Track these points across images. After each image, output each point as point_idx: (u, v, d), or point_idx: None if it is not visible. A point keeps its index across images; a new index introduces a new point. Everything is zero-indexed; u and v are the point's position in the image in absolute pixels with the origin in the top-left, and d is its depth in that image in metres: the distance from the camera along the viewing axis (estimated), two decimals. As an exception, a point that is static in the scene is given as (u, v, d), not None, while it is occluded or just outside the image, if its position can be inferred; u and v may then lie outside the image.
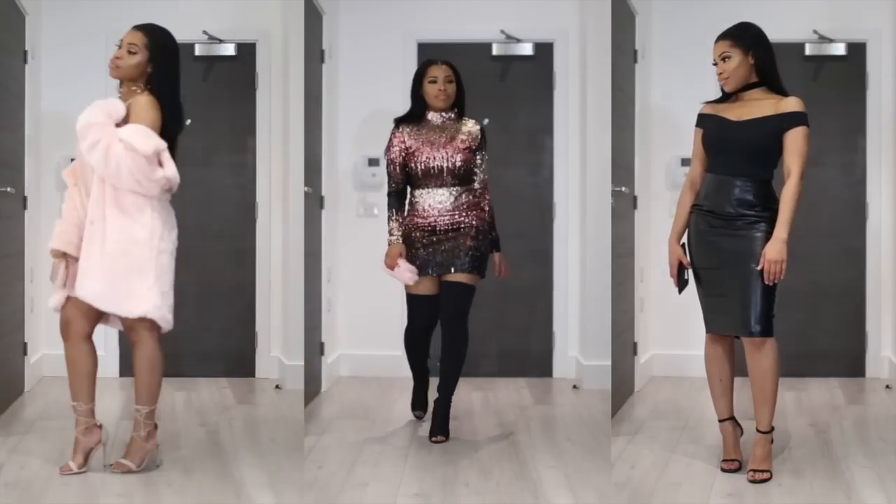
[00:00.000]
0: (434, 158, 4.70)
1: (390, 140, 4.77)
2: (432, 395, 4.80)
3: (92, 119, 3.88)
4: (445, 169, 4.70)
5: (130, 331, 4.00)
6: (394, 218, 4.79)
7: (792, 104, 3.97)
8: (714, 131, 4.06)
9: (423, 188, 4.75)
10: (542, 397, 5.60)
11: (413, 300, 4.79)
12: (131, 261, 3.88)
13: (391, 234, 4.79)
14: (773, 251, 3.86)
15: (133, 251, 3.88)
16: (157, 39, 3.99)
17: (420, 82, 4.74)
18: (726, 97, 4.08)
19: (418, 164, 4.71)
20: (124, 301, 3.90)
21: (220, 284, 5.99)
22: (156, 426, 4.07)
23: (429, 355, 4.93)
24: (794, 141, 3.93)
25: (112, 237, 3.87)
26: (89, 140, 3.85)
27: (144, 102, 3.94)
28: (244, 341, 6.05)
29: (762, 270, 3.90)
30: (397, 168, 4.75)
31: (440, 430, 4.60)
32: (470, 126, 4.78)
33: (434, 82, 4.72)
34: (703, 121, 4.12)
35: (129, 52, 3.96)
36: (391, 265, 4.73)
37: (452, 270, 4.70)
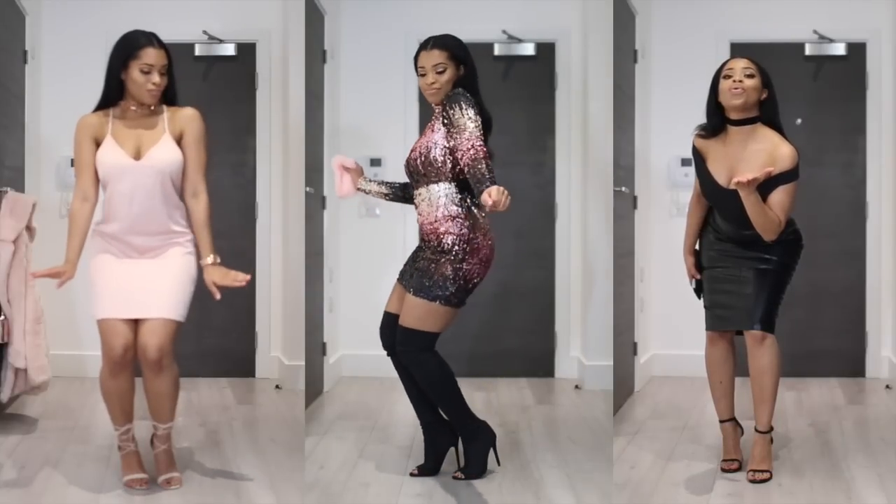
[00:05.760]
0: (413, 150, 3.97)
1: None
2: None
3: None
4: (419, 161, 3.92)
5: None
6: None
7: (786, 160, 3.86)
8: (706, 190, 4.08)
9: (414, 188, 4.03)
10: (545, 397, 5.61)
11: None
12: None
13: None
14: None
15: None
16: (169, 54, 3.85)
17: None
18: (716, 130, 4.02)
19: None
20: None
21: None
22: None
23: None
24: (780, 195, 3.87)
25: None
26: None
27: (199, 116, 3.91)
28: (244, 341, 6.06)
29: (773, 272, 3.97)
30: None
31: (467, 468, 4.01)
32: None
33: (423, 75, 3.93)
34: (696, 157, 4.09)
35: (161, 74, 3.79)
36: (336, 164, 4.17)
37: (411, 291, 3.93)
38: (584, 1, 5.93)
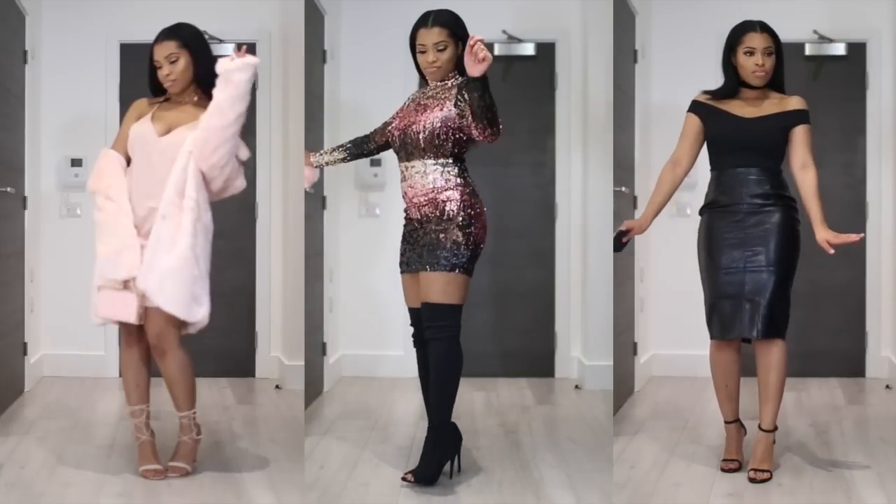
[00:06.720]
0: (414, 124, 3.92)
1: None
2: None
3: None
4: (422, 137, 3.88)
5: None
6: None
7: (798, 102, 4.05)
8: (725, 128, 4.05)
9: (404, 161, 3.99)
10: (544, 397, 5.60)
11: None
12: None
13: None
14: (827, 235, 3.99)
15: None
16: (185, 36, 3.93)
17: (414, 50, 3.97)
18: (729, 93, 4.08)
19: (394, 132, 4.01)
20: None
21: (220, 284, 5.87)
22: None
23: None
24: (804, 136, 4.02)
25: None
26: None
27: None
28: (244, 341, 6.05)
29: (774, 270, 3.96)
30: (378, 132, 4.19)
31: (419, 470, 3.87)
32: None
33: (423, 52, 3.92)
34: (701, 109, 4.10)
35: (171, 62, 3.87)
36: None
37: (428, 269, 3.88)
38: (584, 1, 5.92)
